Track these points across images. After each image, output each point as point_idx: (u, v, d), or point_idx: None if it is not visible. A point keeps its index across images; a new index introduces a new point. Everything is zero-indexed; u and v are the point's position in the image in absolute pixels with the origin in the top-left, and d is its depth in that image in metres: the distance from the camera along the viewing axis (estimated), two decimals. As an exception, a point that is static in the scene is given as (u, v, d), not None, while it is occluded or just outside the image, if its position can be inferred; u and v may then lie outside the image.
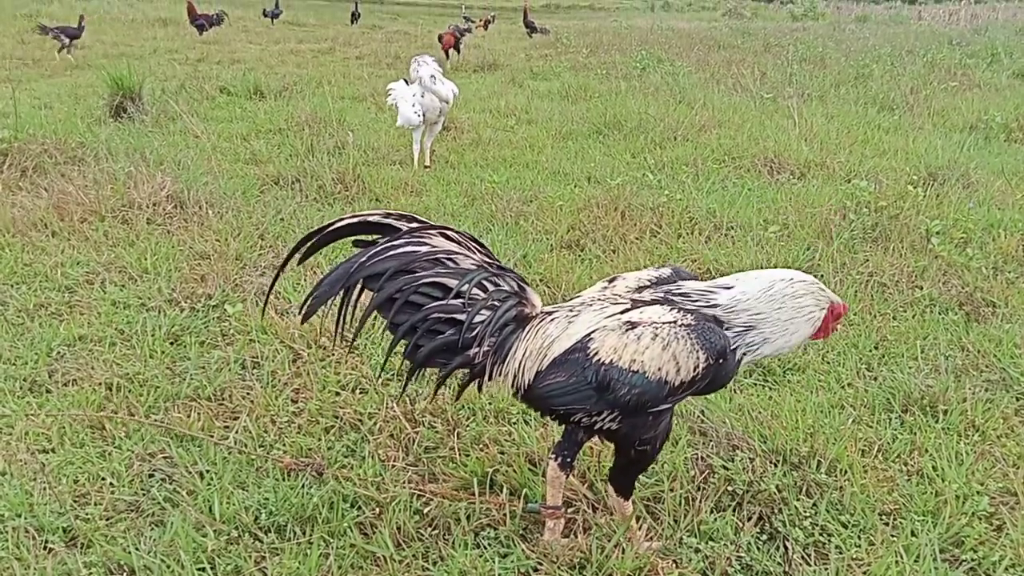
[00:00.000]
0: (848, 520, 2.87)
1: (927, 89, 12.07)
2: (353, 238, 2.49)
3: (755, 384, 3.84)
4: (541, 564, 2.59)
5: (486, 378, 2.50)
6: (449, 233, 2.49)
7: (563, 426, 2.59)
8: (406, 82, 7.23)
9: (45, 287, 4.37)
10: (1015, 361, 4.01)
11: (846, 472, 3.10)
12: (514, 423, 3.31)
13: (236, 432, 3.16)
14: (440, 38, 14.48)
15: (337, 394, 3.45)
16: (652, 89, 11.64)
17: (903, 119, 10.40)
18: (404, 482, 2.92)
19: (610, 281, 2.63)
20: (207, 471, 2.93)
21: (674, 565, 2.63)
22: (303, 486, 2.87)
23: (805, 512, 2.86)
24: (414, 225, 2.47)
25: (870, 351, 4.22)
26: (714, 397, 3.59)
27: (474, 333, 2.44)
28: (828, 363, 4.09)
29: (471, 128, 8.94)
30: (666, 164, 7.68)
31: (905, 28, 26.47)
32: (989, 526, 2.87)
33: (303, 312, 2.43)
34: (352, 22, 24.23)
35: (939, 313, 4.65)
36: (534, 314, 2.53)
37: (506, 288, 2.51)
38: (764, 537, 2.79)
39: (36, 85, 11.00)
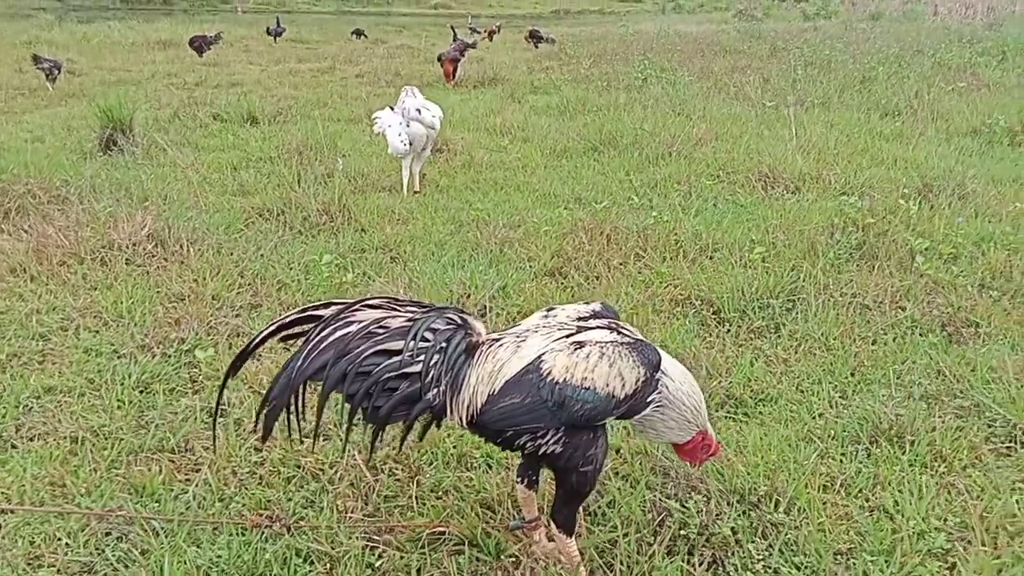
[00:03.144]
0: (802, 561, 2.85)
1: (932, 92, 11.98)
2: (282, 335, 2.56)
3: (725, 416, 3.83)
4: (488, 619, 2.60)
5: (446, 414, 2.56)
6: (370, 302, 2.57)
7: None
8: (391, 109, 7.26)
9: (20, 335, 4.40)
10: (988, 386, 3.98)
11: (804, 510, 3.08)
12: (475, 468, 3.32)
13: (196, 485, 3.19)
14: (440, 60, 14.50)
15: (301, 442, 3.47)
16: (652, 101, 11.62)
17: (906, 125, 10.34)
18: (359, 534, 2.94)
19: (548, 311, 2.78)
20: (164, 528, 2.95)
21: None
22: (258, 540, 2.89)
23: (758, 555, 2.85)
24: (334, 309, 2.53)
25: (846, 378, 4.19)
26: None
27: (430, 377, 2.50)
28: (802, 392, 4.07)
29: (464, 149, 8.96)
30: (659, 182, 7.66)
31: (918, 25, 26.25)
32: (943, 564, 2.84)
33: (261, 432, 2.50)
34: (356, 37, 24.32)
35: (920, 335, 4.62)
36: (481, 341, 2.61)
37: (448, 327, 2.58)
38: (716, 583, 2.79)
39: (31, 116, 11.11)
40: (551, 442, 2.52)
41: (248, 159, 8.37)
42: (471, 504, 3.07)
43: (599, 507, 3.11)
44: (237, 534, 2.94)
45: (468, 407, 2.51)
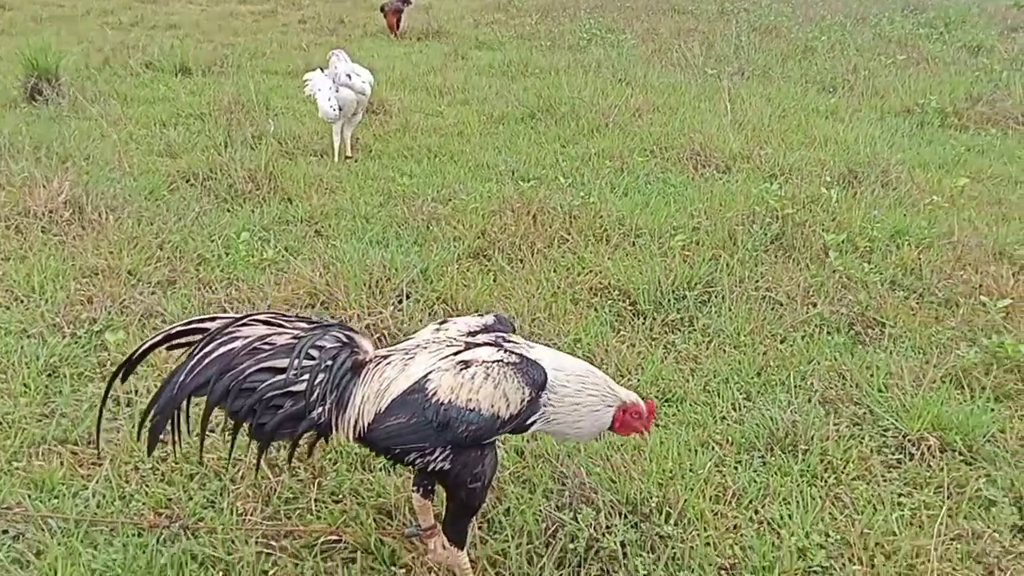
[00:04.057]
0: (686, 576, 2.97)
1: (871, 65, 12.09)
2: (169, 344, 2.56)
3: (630, 418, 3.91)
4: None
5: (333, 431, 2.60)
6: (257, 318, 2.59)
7: None
8: (322, 71, 7.15)
9: (-74, 311, 4.32)
10: (883, 394, 4.11)
11: (694, 522, 3.19)
12: (376, 470, 3.37)
13: (96, 481, 3.19)
14: (383, 11, 14.18)
15: (185, 457, 3.40)
16: (594, 65, 11.55)
17: (841, 101, 10.45)
18: (255, 539, 2.98)
19: (441, 324, 2.83)
20: (61, 527, 2.96)
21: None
22: (155, 542, 2.92)
23: (644, 569, 2.95)
24: (220, 323, 2.54)
25: (752, 378, 4.30)
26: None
27: (315, 395, 2.53)
28: (708, 392, 4.17)
29: (400, 112, 8.87)
30: (592, 156, 7.69)
31: (870, -15, 26.22)
32: (819, 584, 2.98)
33: (146, 447, 2.54)
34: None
35: (828, 334, 4.75)
36: (369, 359, 2.64)
37: (335, 345, 2.61)
38: (601, 597, 2.88)
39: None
40: (439, 459, 2.58)
41: (178, 115, 8.19)
42: (369, 510, 3.13)
43: (496, 514, 3.19)
44: (135, 535, 2.97)
45: (355, 425, 2.56)
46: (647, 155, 7.73)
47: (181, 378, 2.47)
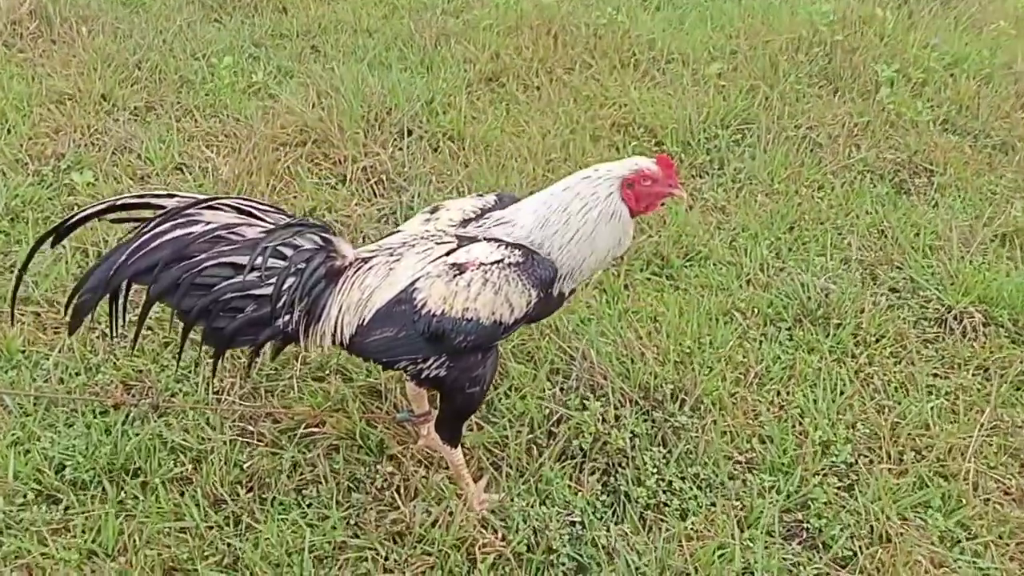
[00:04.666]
0: (698, 473, 2.71)
1: None
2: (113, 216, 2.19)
3: (647, 279, 3.58)
4: (357, 535, 2.45)
5: (301, 340, 2.29)
6: (224, 203, 2.20)
7: None
8: None
9: None
10: (927, 259, 3.75)
11: (711, 410, 2.91)
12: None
13: (59, 351, 2.92)
14: None
15: (122, 347, 3.03)
16: None
17: None
18: (232, 421, 2.74)
19: (432, 211, 2.45)
20: (18, 406, 2.72)
21: (500, 539, 2.49)
22: (121, 423, 2.68)
23: (653, 466, 2.70)
24: (180, 201, 2.14)
25: (784, 233, 3.94)
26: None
27: (282, 302, 2.20)
28: (735, 249, 3.82)
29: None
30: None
31: None
32: (842, 484, 2.72)
33: (69, 326, 2.19)
34: None
35: (871, 183, 4.34)
36: (347, 264, 2.30)
37: (310, 247, 2.25)
38: (605, 496, 2.64)
39: None
40: (433, 367, 2.30)
41: None
42: (356, 391, 2.86)
43: (496, 395, 2.91)
44: (99, 415, 2.72)
45: (332, 337, 2.26)
46: (686, -41, 7.00)
47: (121, 258, 2.10)
